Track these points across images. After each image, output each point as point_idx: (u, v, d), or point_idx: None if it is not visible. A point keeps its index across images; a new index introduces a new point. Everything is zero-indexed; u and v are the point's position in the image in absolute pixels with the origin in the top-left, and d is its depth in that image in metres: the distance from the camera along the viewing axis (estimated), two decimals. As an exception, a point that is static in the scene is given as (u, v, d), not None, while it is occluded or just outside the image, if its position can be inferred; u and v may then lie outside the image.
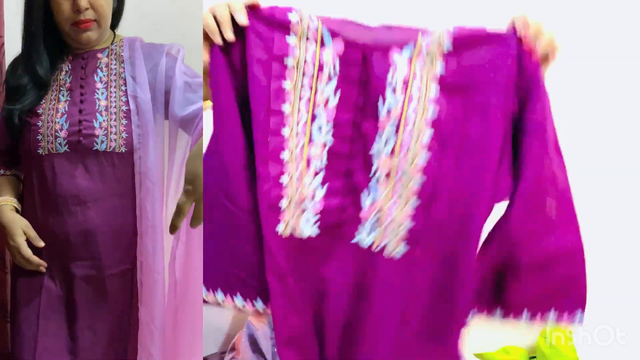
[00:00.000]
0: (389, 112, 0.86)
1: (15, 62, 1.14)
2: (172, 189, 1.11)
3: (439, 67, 0.84)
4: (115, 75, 1.11)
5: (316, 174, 0.88)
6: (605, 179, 1.55)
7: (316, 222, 0.89)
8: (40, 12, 1.08)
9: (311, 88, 0.86)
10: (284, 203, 0.87)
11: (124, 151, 1.08)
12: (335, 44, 0.86)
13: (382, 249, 0.88)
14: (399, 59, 0.85)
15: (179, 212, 0.87)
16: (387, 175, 0.87)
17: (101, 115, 1.08)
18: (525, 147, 0.84)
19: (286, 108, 0.86)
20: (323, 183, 0.88)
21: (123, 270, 1.09)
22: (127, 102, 1.09)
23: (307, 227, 0.89)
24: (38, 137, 1.08)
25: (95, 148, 1.07)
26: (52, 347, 1.08)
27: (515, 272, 0.87)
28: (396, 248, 0.88)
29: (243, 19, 0.84)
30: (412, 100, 0.85)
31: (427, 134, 0.85)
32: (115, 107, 1.09)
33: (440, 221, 0.86)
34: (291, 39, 0.85)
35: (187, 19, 1.37)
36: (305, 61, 0.85)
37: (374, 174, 0.87)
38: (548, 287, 0.88)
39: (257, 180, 0.85)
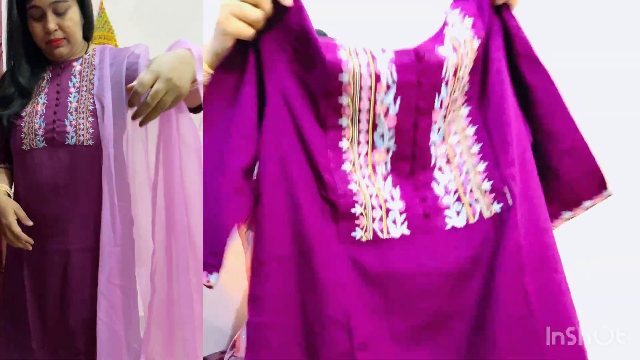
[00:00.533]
0: (441, 103, 0.87)
1: (4, 75, 1.35)
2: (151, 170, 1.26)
3: (472, 36, 0.89)
4: (86, 80, 1.30)
5: (385, 178, 0.88)
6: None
7: (404, 221, 0.88)
8: (19, 34, 1.28)
9: (369, 100, 0.85)
10: (357, 209, 0.86)
11: (91, 144, 1.26)
12: (387, 53, 0.85)
13: (480, 216, 0.88)
14: (445, 50, 0.86)
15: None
16: (447, 160, 0.89)
17: (71, 114, 1.27)
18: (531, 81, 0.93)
19: (343, 121, 0.86)
20: (394, 185, 0.88)
21: (87, 247, 1.27)
22: (94, 103, 1.27)
23: (397, 227, 0.87)
24: (22, 136, 1.28)
25: (67, 142, 1.26)
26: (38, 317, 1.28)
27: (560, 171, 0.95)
28: (492, 206, 0.89)
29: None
30: (459, 84, 0.88)
31: (466, 110, 0.90)
32: (83, 107, 1.27)
33: (510, 167, 0.88)
34: (342, 53, 0.83)
35: (186, 18, 1.38)
36: (360, 74, 0.83)
37: (434, 164, 0.89)
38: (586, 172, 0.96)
39: (318, 189, 0.85)
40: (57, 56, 1.31)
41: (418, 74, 0.85)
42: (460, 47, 0.87)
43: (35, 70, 1.33)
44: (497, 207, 0.89)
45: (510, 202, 0.87)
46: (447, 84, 0.87)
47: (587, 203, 1.00)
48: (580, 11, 1.58)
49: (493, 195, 0.89)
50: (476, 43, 0.88)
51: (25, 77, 1.30)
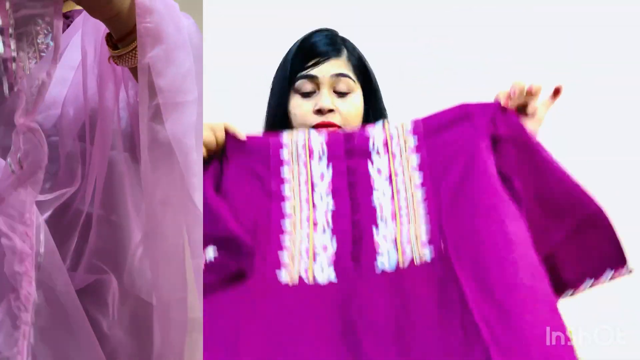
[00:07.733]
0: (379, 170, 1.04)
1: None
2: None
3: (411, 141, 1.04)
4: None
5: (324, 231, 1.00)
6: (605, 180, 1.56)
7: (332, 266, 0.97)
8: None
9: (306, 167, 1.05)
10: (285, 257, 0.97)
11: None
12: (320, 134, 1.08)
13: (411, 262, 0.95)
14: (374, 130, 1.06)
15: None
16: (393, 216, 1.00)
17: None
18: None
19: (286, 189, 1.03)
20: (331, 238, 1.00)
21: None
22: None
23: (323, 274, 0.96)
24: None
25: None
26: None
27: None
28: (422, 254, 0.95)
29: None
30: (395, 156, 1.04)
31: (417, 175, 1.02)
32: None
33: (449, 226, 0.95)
34: (284, 137, 1.07)
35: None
36: (297, 150, 1.05)
37: (380, 216, 1.00)
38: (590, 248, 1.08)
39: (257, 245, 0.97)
40: None
41: (345, 147, 1.05)
42: (390, 130, 1.06)
43: None
44: (427, 253, 0.95)
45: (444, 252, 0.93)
46: (378, 153, 1.04)
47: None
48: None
49: (429, 239, 0.96)
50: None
51: None
